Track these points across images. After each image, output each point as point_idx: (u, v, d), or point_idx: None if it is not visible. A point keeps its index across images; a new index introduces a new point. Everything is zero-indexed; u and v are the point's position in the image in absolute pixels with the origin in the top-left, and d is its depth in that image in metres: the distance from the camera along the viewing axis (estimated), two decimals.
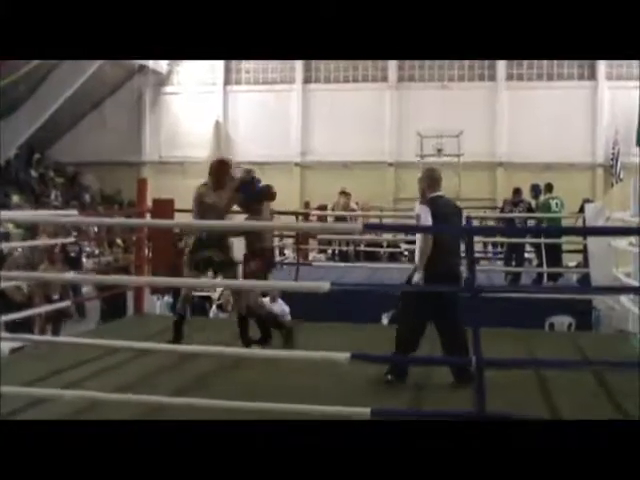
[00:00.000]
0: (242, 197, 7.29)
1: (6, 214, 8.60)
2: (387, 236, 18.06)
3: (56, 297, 10.72)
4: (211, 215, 7.01)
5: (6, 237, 20.54)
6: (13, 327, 9.19)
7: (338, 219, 15.43)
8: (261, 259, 7.32)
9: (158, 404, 4.53)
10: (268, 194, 7.44)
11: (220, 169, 7.39)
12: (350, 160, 29.24)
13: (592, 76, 29.59)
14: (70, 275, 10.80)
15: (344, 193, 17.87)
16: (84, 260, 19.53)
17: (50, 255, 11.54)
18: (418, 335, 5.94)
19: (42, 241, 16.55)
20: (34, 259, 19.04)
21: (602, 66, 29.14)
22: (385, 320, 9.77)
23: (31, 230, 20.53)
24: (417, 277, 5.94)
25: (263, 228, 7.29)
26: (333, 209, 17.27)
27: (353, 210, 17.01)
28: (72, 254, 17.50)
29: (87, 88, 29.54)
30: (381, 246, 17.61)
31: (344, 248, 16.56)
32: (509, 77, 30.29)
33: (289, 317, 9.85)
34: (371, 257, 16.78)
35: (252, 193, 7.29)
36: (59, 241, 14.83)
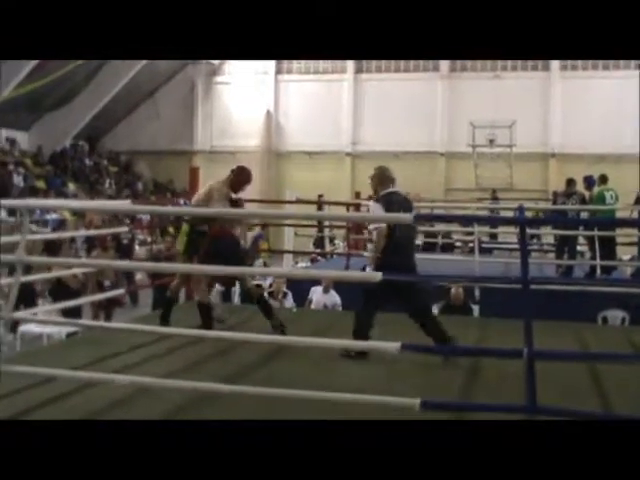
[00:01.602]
0: None
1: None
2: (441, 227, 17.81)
3: (108, 284, 10.86)
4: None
5: (62, 224, 20.96)
6: (67, 312, 9.40)
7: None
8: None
9: (207, 390, 4.58)
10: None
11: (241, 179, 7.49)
12: (401, 150, 29.08)
13: None
14: (124, 262, 10.97)
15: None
16: (137, 248, 19.79)
17: (102, 242, 11.68)
18: (373, 320, 6.28)
19: (90, 230, 16.82)
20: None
21: None
22: (435, 311, 9.73)
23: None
24: (368, 270, 6.45)
25: (315, 218, 7.23)
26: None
27: None
28: (124, 242, 17.75)
29: (141, 78, 29.94)
30: (434, 237, 17.49)
31: None
32: (563, 67, 29.81)
33: (340, 308, 9.88)
34: (428, 249, 16.72)
35: None
36: (106, 231, 15.05)
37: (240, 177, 7.46)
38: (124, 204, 9.75)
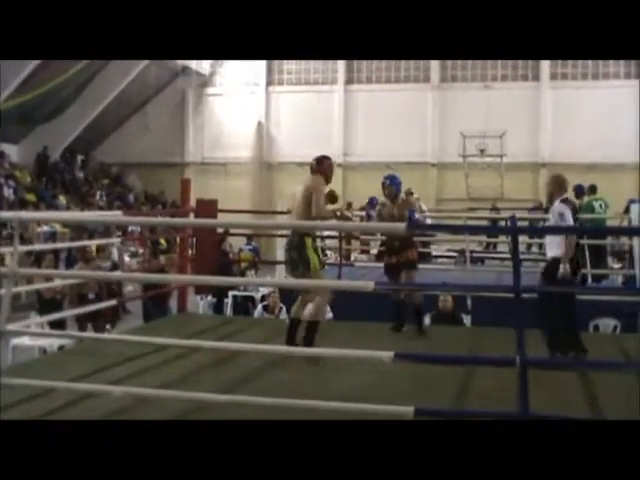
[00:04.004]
0: None
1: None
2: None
3: (92, 296, 10.67)
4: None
5: (53, 236, 20.93)
6: (53, 325, 9.39)
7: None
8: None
9: (202, 401, 4.59)
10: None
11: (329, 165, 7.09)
12: (392, 161, 29.10)
13: (639, 74, 29.09)
14: (113, 273, 10.90)
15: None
16: (127, 260, 19.69)
17: (84, 254, 11.46)
18: None
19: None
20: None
21: None
22: (427, 320, 9.75)
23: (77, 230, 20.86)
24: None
25: (308, 228, 7.15)
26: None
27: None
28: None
29: (131, 90, 29.93)
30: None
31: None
32: (553, 77, 29.96)
33: (330, 314, 9.92)
34: (423, 259, 16.78)
35: None
36: (92, 242, 15.04)
37: (327, 164, 7.01)
38: (115, 215, 9.74)
